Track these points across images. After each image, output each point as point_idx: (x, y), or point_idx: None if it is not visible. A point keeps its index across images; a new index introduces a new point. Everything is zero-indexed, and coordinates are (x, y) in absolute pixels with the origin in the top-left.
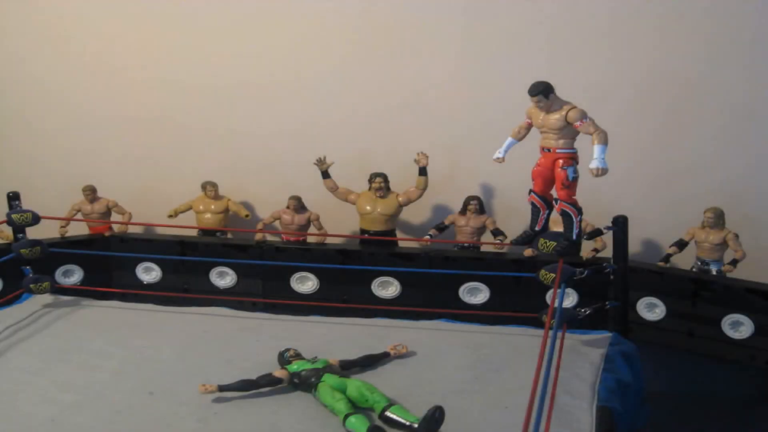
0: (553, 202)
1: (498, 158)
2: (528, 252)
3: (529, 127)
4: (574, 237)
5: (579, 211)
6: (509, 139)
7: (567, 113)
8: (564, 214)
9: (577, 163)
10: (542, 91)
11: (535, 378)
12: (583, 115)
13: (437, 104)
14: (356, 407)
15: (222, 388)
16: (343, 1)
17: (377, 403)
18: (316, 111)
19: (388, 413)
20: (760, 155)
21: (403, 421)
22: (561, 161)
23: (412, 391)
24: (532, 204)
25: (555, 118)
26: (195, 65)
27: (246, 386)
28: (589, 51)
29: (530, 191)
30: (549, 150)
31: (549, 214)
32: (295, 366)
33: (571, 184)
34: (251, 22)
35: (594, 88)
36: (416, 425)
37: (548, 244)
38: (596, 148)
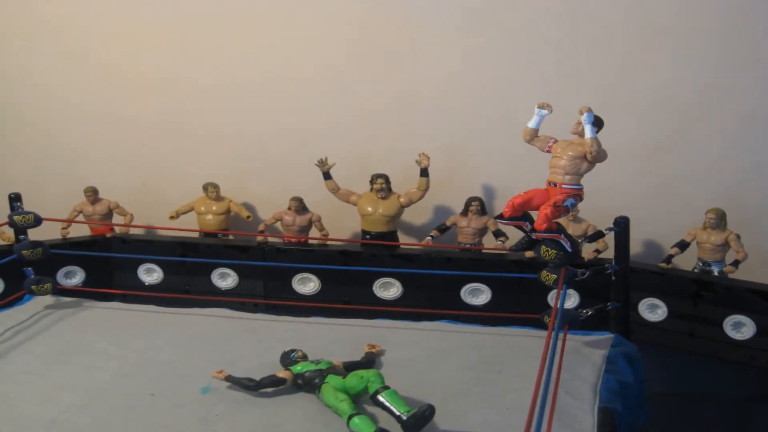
0: (527, 225)
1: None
2: (529, 253)
3: (546, 144)
4: (569, 250)
5: (558, 230)
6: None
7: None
8: (547, 241)
9: (580, 200)
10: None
11: (537, 379)
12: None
13: (439, 105)
14: (360, 407)
15: (229, 379)
16: (344, 3)
17: (372, 384)
18: (318, 112)
19: (379, 396)
20: (761, 157)
21: (392, 409)
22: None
23: (413, 391)
24: (515, 226)
25: (576, 143)
26: (196, 67)
27: (250, 386)
28: (594, 56)
29: (500, 215)
30: (555, 185)
31: (533, 221)
32: (299, 367)
33: (560, 208)
34: (253, 24)
35: (598, 92)
36: (404, 417)
37: (550, 252)
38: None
